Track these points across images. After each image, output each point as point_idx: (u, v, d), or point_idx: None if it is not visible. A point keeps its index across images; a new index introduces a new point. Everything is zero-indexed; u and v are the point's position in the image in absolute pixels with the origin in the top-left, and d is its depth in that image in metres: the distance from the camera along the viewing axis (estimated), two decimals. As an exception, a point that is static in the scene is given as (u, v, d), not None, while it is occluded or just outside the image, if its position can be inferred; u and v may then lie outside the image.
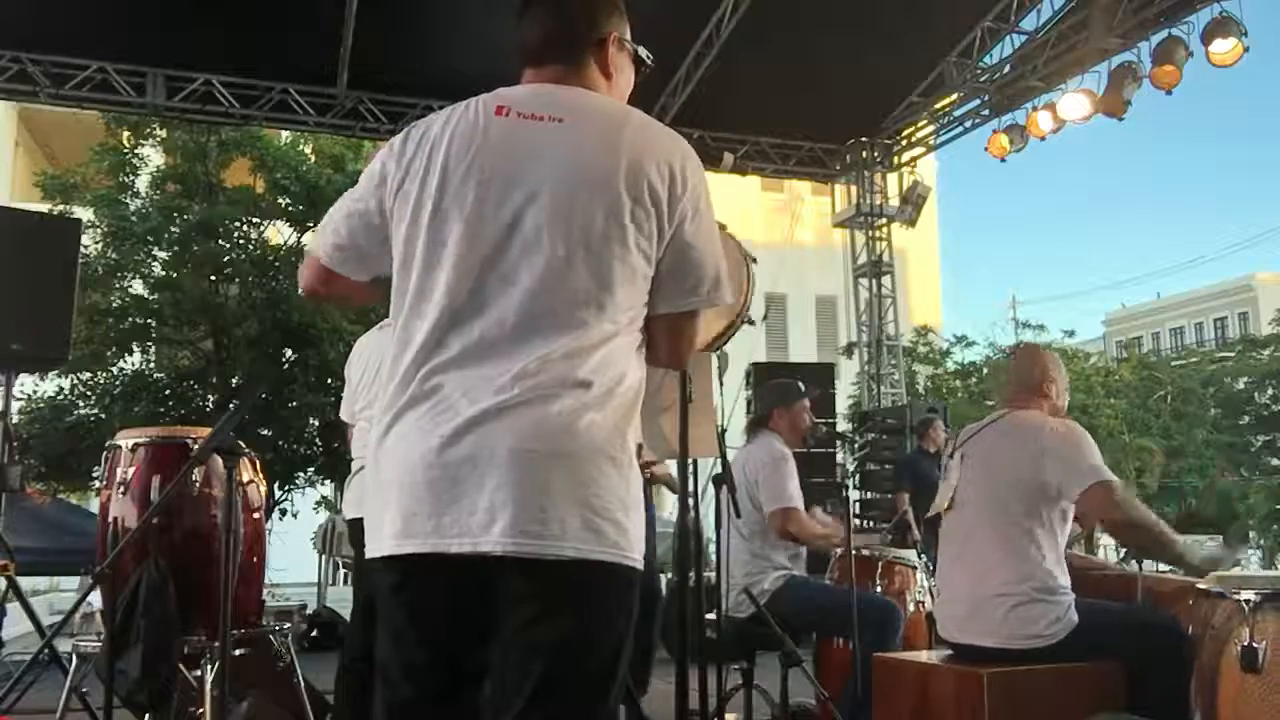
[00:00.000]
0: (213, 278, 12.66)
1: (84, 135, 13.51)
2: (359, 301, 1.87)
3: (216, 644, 2.90)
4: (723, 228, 1.96)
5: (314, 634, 9.16)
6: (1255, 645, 2.40)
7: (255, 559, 3.63)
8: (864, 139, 10.79)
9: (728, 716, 3.82)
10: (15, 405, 6.23)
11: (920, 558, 4.55)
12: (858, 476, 11.07)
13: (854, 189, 11.06)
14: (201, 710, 3.20)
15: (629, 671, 1.62)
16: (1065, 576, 3.08)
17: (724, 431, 3.30)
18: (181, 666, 3.24)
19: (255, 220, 13.01)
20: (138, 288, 12.63)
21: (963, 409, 18.99)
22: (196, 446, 3.31)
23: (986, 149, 9.40)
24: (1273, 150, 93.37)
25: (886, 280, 11.19)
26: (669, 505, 11.01)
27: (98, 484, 6.66)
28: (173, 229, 12.56)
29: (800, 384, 4.59)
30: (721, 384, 3.12)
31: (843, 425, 13.25)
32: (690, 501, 2.76)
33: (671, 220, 1.64)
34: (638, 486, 1.63)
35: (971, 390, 22.08)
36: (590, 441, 1.55)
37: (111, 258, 12.31)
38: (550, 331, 1.57)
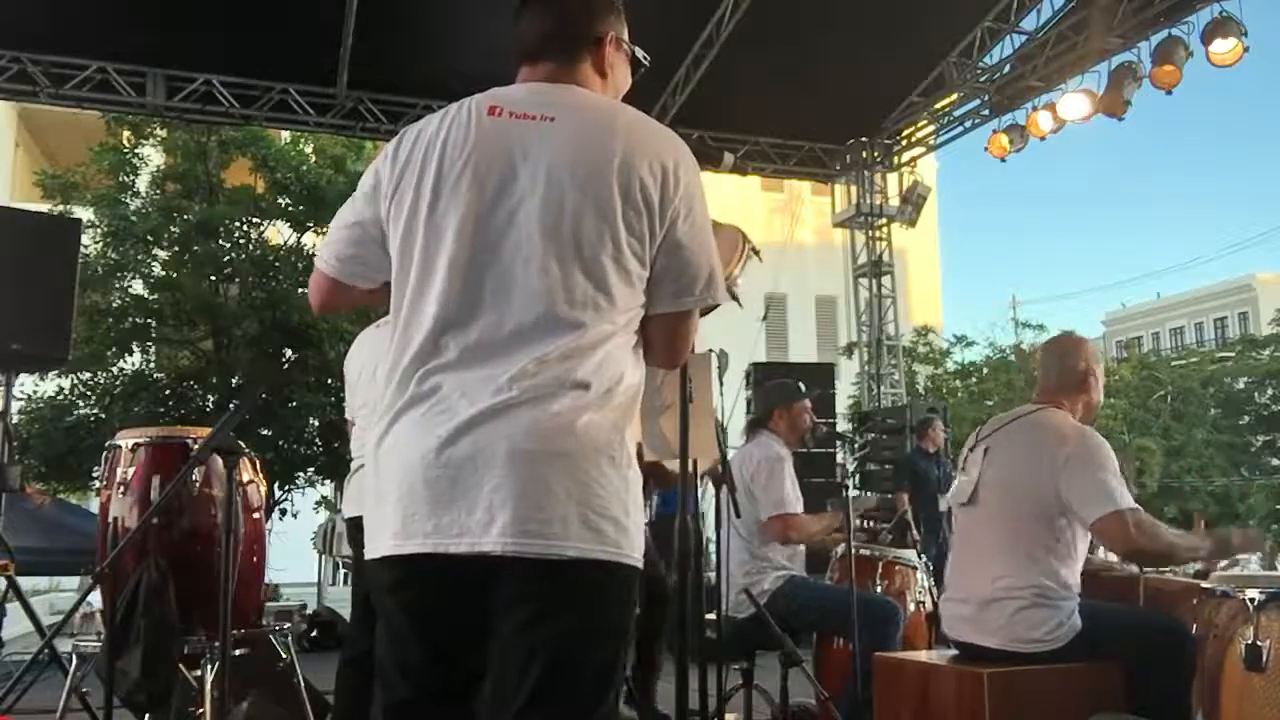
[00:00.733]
0: (213, 278, 12.66)
1: (84, 135, 13.53)
2: (374, 303, 1.86)
3: (216, 644, 2.89)
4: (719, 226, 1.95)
5: (314, 634, 9.16)
6: (1260, 644, 2.40)
7: (255, 559, 3.62)
8: (864, 139, 10.79)
9: (728, 716, 3.82)
10: (15, 405, 6.23)
11: (920, 558, 4.54)
12: (857, 476, 11.08)
13: (854, 189, 11.07)
14: (201, 710, 3.20)
15: (639, 660, 1.62)
16: (1075, 582, 3.04)
17: (724, 431, 3.29)
18: (181, 666, 3.24)
19: (255, 220, 13.01)
20: (138, 288, 12.63)
21: (963, 409, 19.03)
22: (196, 446, 3.31)
23: (986, 149, 9.40)
24: (1272, 150, 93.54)
25: (886, 280, 11.20)
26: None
27: (98, 484, 6.66)
28: (173, 229, 12.56)
29: (800, 385, 4.58)
30: (721, 384, 3.11)
31: (843, 425, 13.26)
32: (690, 501, 2.76)
33: (663, 221, 1.63)
34: (637, 486, 1.63)
35: (971, 390, 22.10)
36: (589, 441, 1.55)
37: (111, 258, 12.31)
38: (548, 332, 1.57)
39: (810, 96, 9.59)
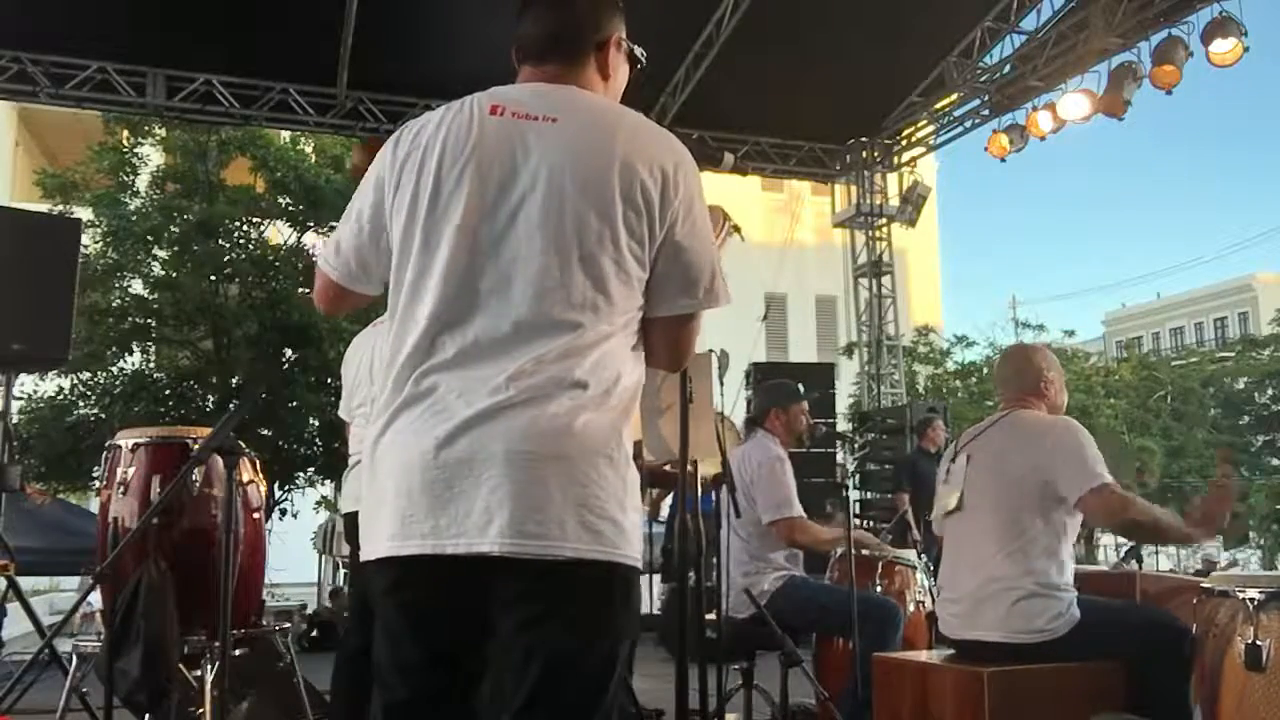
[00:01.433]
0: (213, 278, 12.65)
1: (84, 135, 13.52)
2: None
3: (216, 644, 2.89)
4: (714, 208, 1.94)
5: (314, 634, 9.17)
6: (1259, 644, 2.40)
7: (255, 559, 3.63)
8: (864, 139, 10.79)
9: (728, 716, 3.82)
10: (15, 405, 6.23)
11: (920, 558, 4.54)
12: (857, 476, 11.08)
13: (854, 189, 11.07)
14: (201, 710, 3.21)
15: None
16: (1069, 574, 3.08)
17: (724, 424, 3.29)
18: (181, 666, 3.24)
19: (255, 220, 13.01)
20: (138, 288, 12.63)
21: (963, 409, 19.02)
22: (196, 446, 3.31)
23: (986, 149, 9.40)
24: (1272, 151, 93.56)
25: (886, 280, 11.20)
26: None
27: (98, 484, 6.66)
28: (173, 229, 12.55)
29: (799, 387, 4.56)
30: (721, 384, 3.11)
31: (843, 425, 13.25)
32: (689, 501, 2.76)
33: (663, 224, 1.63)
34: (635, 486, 1.62)
35: (971, 390, 22.08)
36: (587, 442, 1.55)
37: (111, 258, 12.30)
38: (546, 333, 1.56)
39: (810, 96, 9.59)
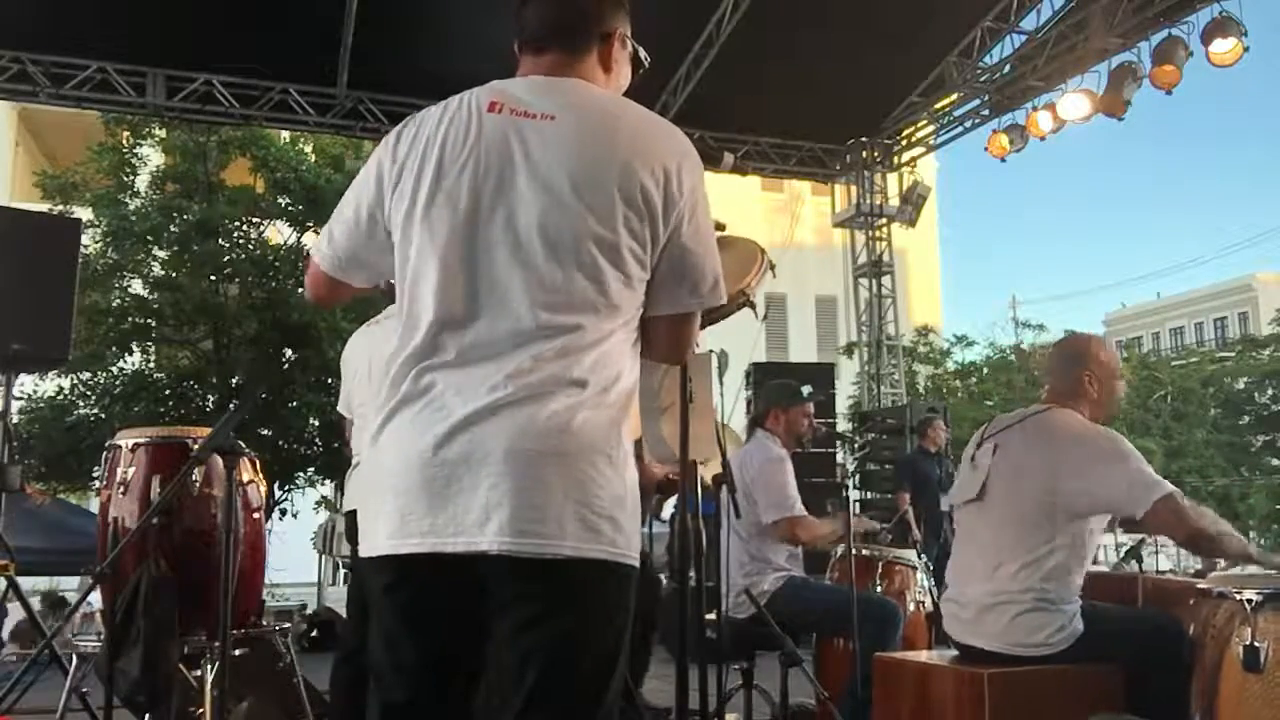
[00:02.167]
0: (212, 278, 12.66)
1: (84, 135, 13.53)
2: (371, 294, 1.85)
3: (216, 644, 2.89)
4: (720, 227, 1.95)
5: (314, 634, 9.16)
6: (1257, 645, 2.40)
7: (255, 559, 3.62)
8: (864, 139, 10.79)
9: (728, 716, 3.82)
10: (15, 405, 6.22)
11: (920, 558, 4.54)
12: (858, 476, 11.08)
13: (854, 189, 11.07)
14: (201, 710, 3.20)
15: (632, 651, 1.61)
16: (1078, 586, 3.00)
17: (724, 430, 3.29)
18: (181, 666, 3.24)
19: (255, 220, 13.03)
20: (138, 288, 12.64)
21: (963, 409, 19.01)
22: (196, 446, 3.31)
23: (986, 149, 9.40)
24: (1272, 151, 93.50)
25: (886, 280, 11.20)
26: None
27: (98, 484, 6.66)
28: (172, 229, 12.57)
29: (804, 388, 4.52)
30: (721, 384, 3.11)
31: (843, 425, 13.26)
32: (689, 501, 2.75)
33: (666, 225, 1.61)
34: (634, 485, 1.62)
35: (971, 390, 22.09)
36: (586, 439, 1.54)
37: (111, 258, 12.32)
38: (544, 333, 1.55)
39: (810, 96, 9.58)
